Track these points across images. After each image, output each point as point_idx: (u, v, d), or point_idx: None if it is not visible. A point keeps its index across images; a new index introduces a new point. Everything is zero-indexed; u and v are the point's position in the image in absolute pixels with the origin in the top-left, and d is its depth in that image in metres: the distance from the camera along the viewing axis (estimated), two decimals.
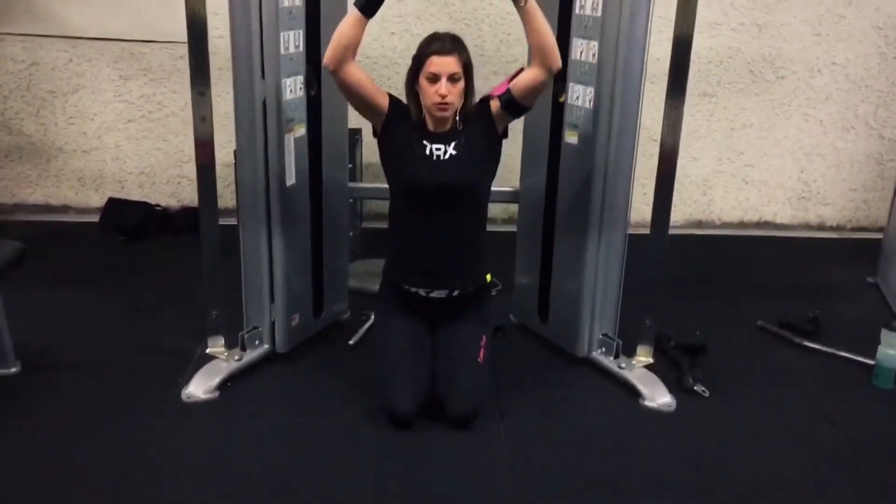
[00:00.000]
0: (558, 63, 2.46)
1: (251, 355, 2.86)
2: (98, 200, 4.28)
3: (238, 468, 2.37)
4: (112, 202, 4.14)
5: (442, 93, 2.44)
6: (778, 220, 4.55)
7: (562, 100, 2.82)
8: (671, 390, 2.81)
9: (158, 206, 4.22)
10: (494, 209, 4.42)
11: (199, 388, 2.70)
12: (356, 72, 2.47)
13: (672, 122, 2.70)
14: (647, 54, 2.73)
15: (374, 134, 2.62)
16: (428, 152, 2.53)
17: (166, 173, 4.32)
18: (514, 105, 2.54)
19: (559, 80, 2.73)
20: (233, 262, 2.84)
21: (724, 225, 4.54)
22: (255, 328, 2.89)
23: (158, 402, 2.66)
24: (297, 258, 2.90)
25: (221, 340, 2.86)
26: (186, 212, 4.12)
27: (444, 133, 2.55)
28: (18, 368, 2.81)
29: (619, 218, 2.83)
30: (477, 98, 2.61)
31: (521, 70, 2.55)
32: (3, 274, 2.60)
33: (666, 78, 4.08)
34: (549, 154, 2.94)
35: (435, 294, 2.64)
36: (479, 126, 2.57)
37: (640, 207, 4.30)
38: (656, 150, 4.20)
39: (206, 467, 2.38)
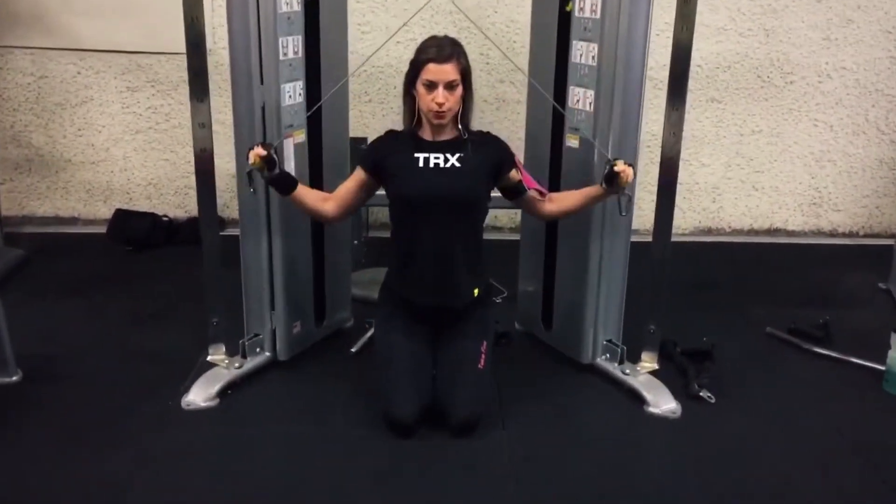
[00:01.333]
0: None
1: (252, 363, 2.84)
2: (106, 212, 4.30)
3: (236, 477, 2.35)
4: (119, 213, 4.16)
5: (439, 101, 2.43)
6: (789, 226, 4.50)
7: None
8: (677, 396, 2.76)
9: (165, 216, 4.22)
10: (501, 217, 4.41)
11: (199, 395, 2.69)
12: (337, 206, 2.64)
13: (673, 126, 2.67)
14: (647, 57, 2.69)
15: (378, 183, 2.65)
16: (422, 163, 2.52)
17: (174, 184, 4.33)
18: (514, 196, 2.68)
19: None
20: (236, 271, 2.84)
21: (734, 232, 4.50)
22: (256, 336, 2.88)
23: (158, 411, 2.65)
24: (298, 266, 2.89)
25: (223, 348, 2.85)
26: (193, 222, 4.12)
27: (445, 142, 2.54)
28: (20, 377, 2.80)
29: (621, 223, 2.80)
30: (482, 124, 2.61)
31: (546, 195, 2.68)
32: (4, 282, 2.58)
33: (667, 83, 4.07)
34: (550, 158, 2.91)
35: (436, 304, 2.62)
36: (494, 158, 2.59)
37: (649, 214, 4.28)
38: None
39: (203, 476, 2.36)
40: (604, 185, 2.52)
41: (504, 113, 4.24)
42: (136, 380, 2.84)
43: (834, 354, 3.10)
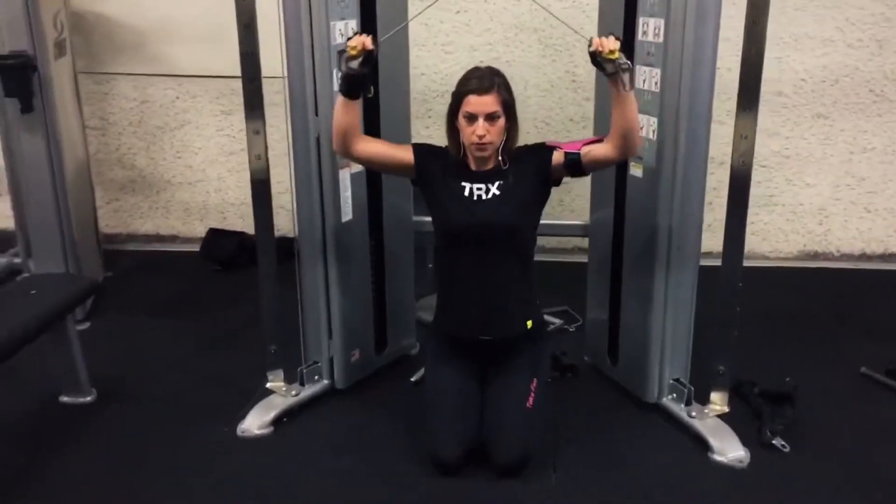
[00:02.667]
0: (636, 151, 2.44)
1: (308, 391, 2.86)
2: (203, 230, 4.44)
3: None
4: (212, 232, 4.29)
5: (479, 133, 2.37)
6: None
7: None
8: (747, 444, 2.58)
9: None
10: (581, 241, 4.27)
11: (254, 423, 2.72)
12: (366, 147, 2.49)
13: (743, 146, 2.48)
14: (714, 81, 2.52)
15: (413, 183, 2.60)
16: (467, 193, 2.45)
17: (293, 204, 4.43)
18: (577, 168, 2.46)
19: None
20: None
21: (844, 257, 4.18)
22: (314, 363, 2.89)
23: (215, 437, 2.70)
24: (356, 293, 2.88)
25: (281, 375, 2.88)
26: (278, 242, 4.19)
27: (486, 172, 2.47)
28: (94, 397, 2.92)
29: (689, 255, 2.64)
30: (527, 137, 2.52)
31: (601, 139, 2.44)
32: (73, 307, 2.70)
33: (774, 99, 3.84)
34: (615, 187, 2.79)
35: (483, 338, 2.55)
36: (533, 168, 2.47)
37: (748, 237, 4.05)
38: (763, 176, 3.98)
39: (244, 502, 2.38)
40: (605, 76, 2.30)
41: (590, 131, 4.09)
42: (201, 404, 2.90)
43: None
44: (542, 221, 3.77)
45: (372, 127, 2.74)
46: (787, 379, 2.88)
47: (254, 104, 2.61)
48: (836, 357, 3.16)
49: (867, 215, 4.10)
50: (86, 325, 3.48)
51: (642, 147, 2.60)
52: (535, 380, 2.55)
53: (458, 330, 2.58)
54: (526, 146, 2.51)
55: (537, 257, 4.21)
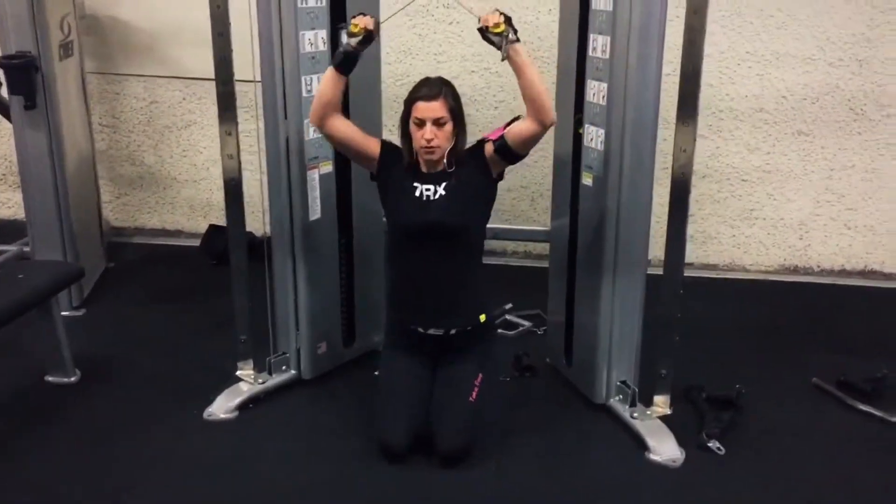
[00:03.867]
0: (551, 117, 2.48)
1: (275, 380, 3.01)
2: (206, 226, 4.63)
3: (226, 487, 2.53)
4: (211, 228, 4.47)
5: (427, 137, 2.51)
6: (886, 269, 4.18)
7: (581, 131, 2.79)
8: (686, 445, 2.69)
9: (249, 232, 4.49)
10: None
11: (220, 407, 2.89)
12: (340, 125, 2.61)
13: (682, 158, 2.58)
14: (659, 95, 2.63)
15: (371, 178, 2.72)
16: (418, 193, 2.59)
17: (265, 203, 4.60)
18: (507, 151, 2.56)
19: (579, 112, 2.74)
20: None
21: (824, 272, 4.23)
22: (282, 354, 3.05)
23: (183, 419, 2.87)
24: (324, 289, 3.03)
25: (251, 364, 3.03)
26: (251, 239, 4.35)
27: (435, 174, 2.61)
28: (77, 378, 3.11)
29: (635, 262, 2.75)
30: (474, 140, 2.65)
31: (518, 118, 2.56)
32: (56, 292, 2.89)
33: (755, 115, 3.92)
34: (570, 195, 2.91)
35: (431, 331, 2.68)
36: (472, 168, 2.60)
37: (730, 250, 4.15)
38: (744, 190, 4.06)
39: (197, 484, 2.55)
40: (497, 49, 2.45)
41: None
42: (177, 388, 3.07)
43: (877, 413, 2.89)
44: (509, 226, 3.92)
45: None
46: (738, 386, 2.96)
47: (227, 106, 2.78)
48: (798, 368, 3.22)
49: (847, 232, 4.16)
50: (81, 312, 3.69)
51: (593, 157, 2.72)
52: (480, 375, 2.68)
53: (409, 322, 2.72)
54: (468, 148, 2.64)
55: (516, 261, 4.36)
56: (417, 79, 4.17)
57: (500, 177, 2.65)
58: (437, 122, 2.51)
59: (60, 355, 3.05)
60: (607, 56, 2.60)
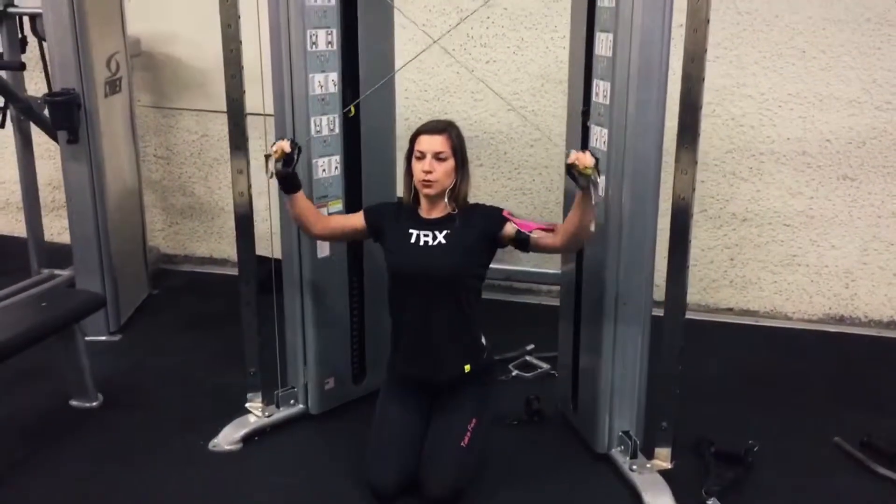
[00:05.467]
0: (579, 248, 2.73)
1: (282, 413, 3.06)
2: None
3: None
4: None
5: (426, 169, 2.53)
6: None
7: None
8: (684, 501, 2.60)
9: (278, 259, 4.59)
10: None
11: (225, 439, 2.95)
12: (325, 226, 2.80)
13: (682, 182, 2.50)
14: (662, 140, 2.58)
15: (374, 241, 2.80)
16: (414, 239, 2.61)
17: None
18: (524, 246, 2.60)
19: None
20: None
21: (872, 323, 4.04)
22: (291, 388, 3.09)
23: (190, 448, 2.94)
24: (333, 325, 3.07)
25: (259, 396, 3.09)
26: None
27: (435, 220, 2.62)
28: (99, 402, 3.23)
29: (635, 310, 2.69)
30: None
31: (553, 228, 2.58)
32: (77, 319, 3.02)
33: (798, 158, 3.80)
34: None
35: (427, 375, 2.69)
36: (482, 227, 2.62)
37: (771, 296, 4.00)
38: (786, 235, 3.92)
39: None
40: (574, 184, 2.42)
41: None
42: (190, 416, 3.14)
43: None
44: (520, 268, 3.87)
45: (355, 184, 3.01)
46: (750, 442, 2.85)
47: (238, 145, 2.86)
48: (824, 425, 3.07)
49: None
50: (118, 337, 3.83)
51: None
52: (474, 420, 2.66)
53: (404, 368, 2.73)
54: (481, 206, 2.68)
55: (549, 300, 4.31)
56: (454, 116, 4.25)
57: (504, 246, 2.66)
58: (438, 157, 2.54)
59: (83, 381, 3.17)
60: (608, 102, 2.57)
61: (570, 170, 2.35)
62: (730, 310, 4.18)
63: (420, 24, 2.93)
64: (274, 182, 2.72)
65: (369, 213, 2.77)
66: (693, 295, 4.17)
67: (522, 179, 4.24)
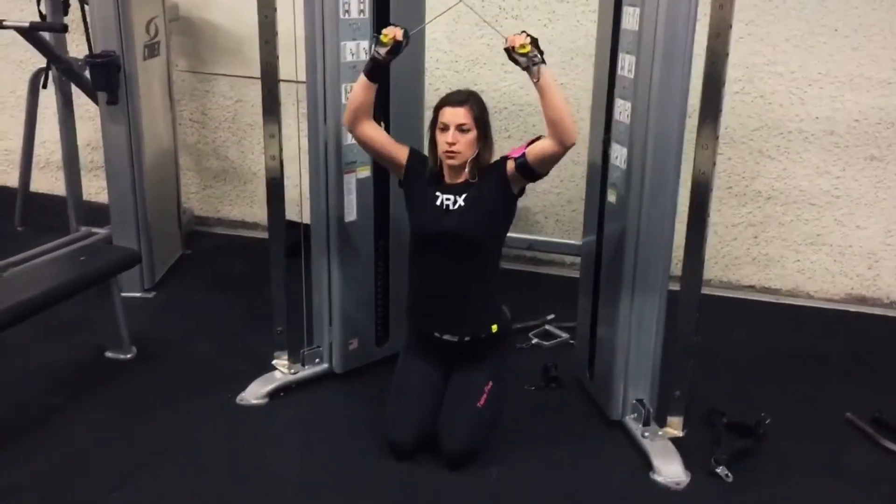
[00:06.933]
0: (572, 139, 2.52)
1: (307, 371, 3.16)
2: None
3: (243, 470, 2.68)
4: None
5: (449, 140, 2.59)
6: None
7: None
8: (694, 469, 2.67)
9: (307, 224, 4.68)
10: None
11: (252, 393, 3.06)
12: (370, 130, 2.73)
13: (702, 156, 2.55)
14: (685, 115, 2.62)
15: (399, 184, 2.82)
16: (438, 202, 2.68)
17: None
18: (527, 169, 2.62)
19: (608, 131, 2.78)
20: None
21: (895, 305, 4.06)
22: (316, 347, 3.19)
23: (218, 401, 3.05)
24: (358, 288, 3.16)
25: (286, 354, 3.19)
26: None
27: (457, 184, 2.69)
28: (133, 355, 3.36)
29: (654, 281, 2.74)
30: (497, 156, 2.71)
31: (540, 137, 2.61)
32: (113, 274, 3.13)
33: (826, 137, 3.81)
34: (598, 212, 2.93)
35: (446, 337, 2.76)
36: (493, 182, 2.67)
37: (793, 275, 4.02)
38: (811, 214, 3.93)
39: (214, 462, 2.72)
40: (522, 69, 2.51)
41: None
42: (221, 371, 3.26)
43: None
44: (544, 238, 3.93)
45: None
46: (762, 414, 2.91)
47: (271, 110, 2.95)
48: (838, 401, 3.12)
49: None
50: (152, 294, 3.96)
51: (617, 176, 2.74)
52: (490, 382, 2.74)
53: (424, 327, 2.81)
54: (493, 162, 2.71)
55: (560, 272, 4.36)
56: (484, 88, 4.29)
57: (521, 192, 2.71)
58: (461, 128, 2.60)
59: (119, 333, 3.29)
60: (632, 76, 2.61)
61: (510, 54, 2.48)
62: (752, 287, 4.21)
63: None
64: (304, 145, 2.77)
65: (413, 155, 2.79)
66: (715, 271, 4.20)
67: None
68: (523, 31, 2.49)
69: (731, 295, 4.15)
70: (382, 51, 2.61)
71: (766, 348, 3.59)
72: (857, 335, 3.79)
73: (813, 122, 3.92)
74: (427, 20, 2.95)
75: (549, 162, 2.60)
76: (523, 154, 2.61)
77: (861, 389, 3.24)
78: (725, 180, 4.08)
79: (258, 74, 3.94)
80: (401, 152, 2.77)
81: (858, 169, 3.92)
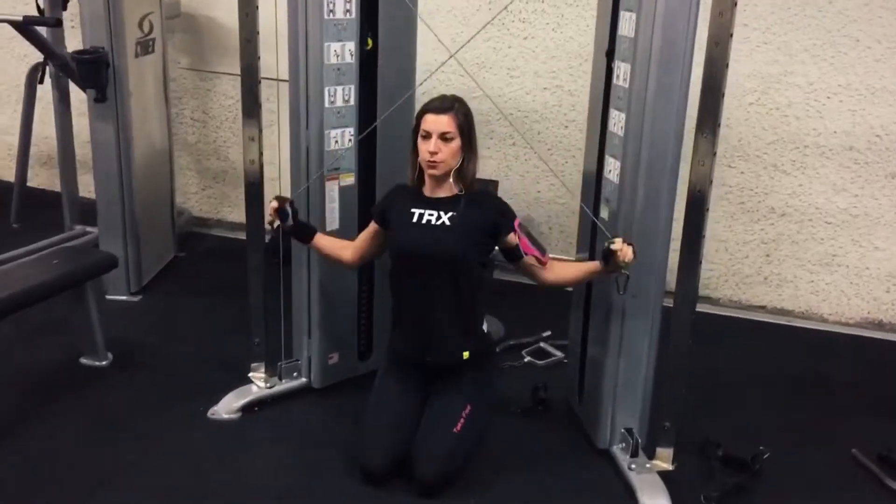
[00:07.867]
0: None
1: (284, 386, 3.03)
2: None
3: (205, 483, 2.57)
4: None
5: (431, 150, 2.46)
6: None
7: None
8: None
9: None
10: None
11: (225, 407, 2.93)
12: (355, 251, 2.79)
13: (699, 172, 2.39)
14: (682, 128, 2.45)
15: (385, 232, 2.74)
16: (416, 218, 2.54)
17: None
18: (514, 261, 2.65)
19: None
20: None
21: None
22: (295, 360, 3.06)
23: (189, 414, 2.93)
24: (339, 300, 3.02)
25: (262, 367, 3.06)
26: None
27: (441, 200, 2.55)
28: (108, 361, 3.24)
29: (645, 304, 2.58)
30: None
31: (545, 262, 2.64)
32: (86, 279, 3.02)
33: (844, 153, 3.62)
34: (591, 228, 2.77)
35: (428, 359, 2.63)
36: (488, 219, 2.57)
37: (807, 296, 3.84)
38: (827, 233, 3.74)
39: (180, 476, 2.61)
40: (601, 263, 2.39)
41: None
42: (195, 381, 3.13)
43: None
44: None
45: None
46: (761, 447, 2.73)
47: (250, 112, 2.82)
48: (844, 435, 2.93)
49: None
50: (137, 298, 3.85)
51: (610, 190, 2.58)
52: (469, 405, 2.60)
53: (403, 349, 2.68)
54: (494, 197, 2.65)
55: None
56: (489, 92, 4.14)
57: (499, 249, 2.65)
58: (444, 137, 2.46)
59: (94, 339, 3.19)
60: (627, 85, 2.45)
61: (609, 256, 2.36)
62: (762, 307, 4.02)
63: None
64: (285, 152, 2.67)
65: (374, 211, 2.74)
66: (725, 290, 4.02)
67: (555, 161, 4.12)
68: (631, 244, 2.39)
69: (740, 315, 3.96)
70: (277, 225, 2.70)
71: (772, 374, 3.41)
72: (871, 363, 3.59)
73: (831, 137, 3.72)
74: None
75: (528, 276, 2.68)
76: (524, 255, 2.60)
77: (870, 422, 3.05)
78: (738, 195, 3.89)
79: (260, 74, 3.84)
80: (373, 227, 2.74)
81: (878, 187, 3.72)
